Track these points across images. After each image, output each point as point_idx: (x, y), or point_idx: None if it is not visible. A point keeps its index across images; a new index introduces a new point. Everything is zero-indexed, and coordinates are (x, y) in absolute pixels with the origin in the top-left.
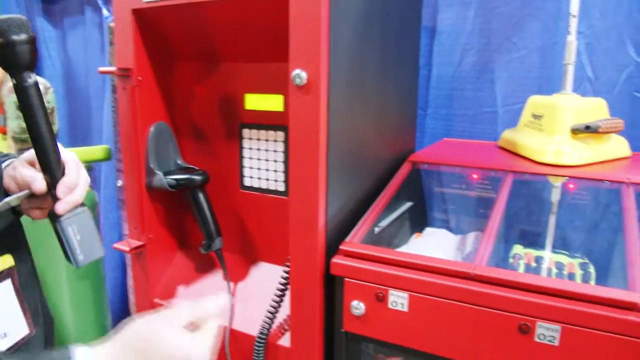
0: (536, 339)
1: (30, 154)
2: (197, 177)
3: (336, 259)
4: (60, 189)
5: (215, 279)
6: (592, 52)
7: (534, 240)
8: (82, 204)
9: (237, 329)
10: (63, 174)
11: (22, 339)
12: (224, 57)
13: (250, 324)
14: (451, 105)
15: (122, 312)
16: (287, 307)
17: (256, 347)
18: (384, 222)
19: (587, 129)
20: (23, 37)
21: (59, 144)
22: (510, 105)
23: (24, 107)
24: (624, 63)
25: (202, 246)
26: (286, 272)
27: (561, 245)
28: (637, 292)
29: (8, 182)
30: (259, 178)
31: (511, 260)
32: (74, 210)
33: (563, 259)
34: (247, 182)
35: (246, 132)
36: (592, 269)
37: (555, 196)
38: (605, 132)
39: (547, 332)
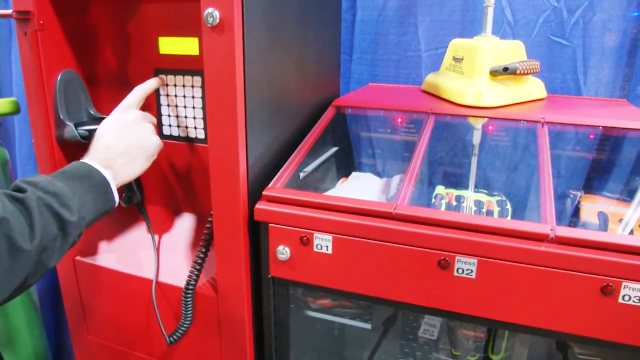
0: (455, 273)
1: None
2: None
3: (260, 205)
4: None
5: (139, 232)
6: None
7: (455, 180)
8: None
9: (164, 281)
10: None
11: None
12: None
13: (177, 276)
14: (376, 50)
15: (48, 274)
16: (214, 257)
17: (184, 299)
18: (309, 167)
19: (505, 70)
20: None
21: None
22: (433, 50)
23: None
24: (541, 7)
25: (123, 199)
26: (210, 222)
27: (481, 184)
28: (548, 225)
29: None
30: (178, 126)
31: (433, 200)
32: None
33: (482, 197)
34: (166, 130)
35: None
36: (509, 206)
37: (475, 137)
38: (522, 74)
39: (465, 266)
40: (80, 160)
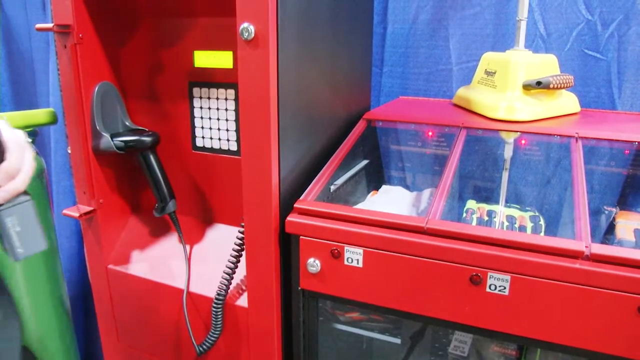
0: (487, 290)
1: None
2: (146, 139)
3: (291, 217)
4: None
5: (171, 242)
6: (545, 8)
7: (487, 195)
8: (26, 193)
9: (195, 291)
10: (2, 158)
11: None
12: (172, 11)
13: (208, 286)
14: (407, 64)
15: (80, 281)
16: (244, 268)
17: (214, 309)
18: (340, 180)
19: (539, 84)
20: None
21: (1, 123)
22: (464, 63)
23: None
24: (575, 20)
25: (156, 209)
26: (241, 233)
27: (513, 199)
28: (583, 242)
29: None
30: (211, 138)
31: (464, 215)
32: (15, 200)
33: (514, 212)
34: (199, 142)
35: (196, 91)
36: (542, 222)
37: (507, 152)
38: (555, 88)
39: (497, 283)
40: None
